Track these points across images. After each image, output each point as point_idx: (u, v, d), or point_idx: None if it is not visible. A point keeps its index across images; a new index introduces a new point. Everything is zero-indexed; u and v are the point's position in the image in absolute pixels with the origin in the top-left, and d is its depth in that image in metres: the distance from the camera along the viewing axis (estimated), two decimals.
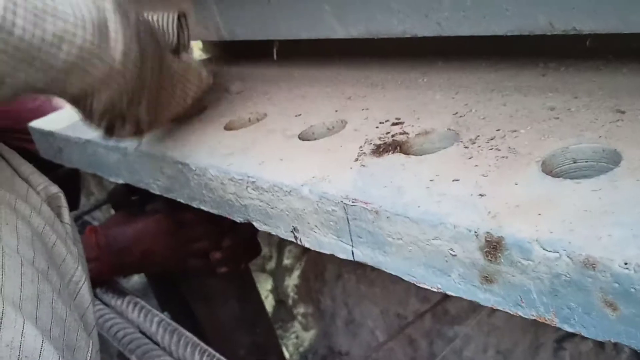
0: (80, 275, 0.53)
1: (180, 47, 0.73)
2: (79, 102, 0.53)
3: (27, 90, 0.47)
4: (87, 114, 0.55)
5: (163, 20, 0.71)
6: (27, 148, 0.96)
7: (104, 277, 0.81)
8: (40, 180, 0.55)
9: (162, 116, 0.65)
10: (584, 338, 0.86)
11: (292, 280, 1.37)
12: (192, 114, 0.75)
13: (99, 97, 0.52)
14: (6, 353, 0.40)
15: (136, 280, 1.49)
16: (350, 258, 0.48)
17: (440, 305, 0.93)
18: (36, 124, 0.95)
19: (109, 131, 0.59)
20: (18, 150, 0.59)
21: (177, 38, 0.70)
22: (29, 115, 1.03)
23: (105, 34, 0.49)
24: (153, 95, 0.59)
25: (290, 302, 1.41)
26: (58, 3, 0.46)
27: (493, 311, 0.92)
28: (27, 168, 0.55)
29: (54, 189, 0.55)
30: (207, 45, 1.08)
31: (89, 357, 0.48)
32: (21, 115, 1.16)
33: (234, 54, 1.00)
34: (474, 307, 0.91)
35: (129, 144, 0.72)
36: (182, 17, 0.73)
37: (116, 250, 0.80)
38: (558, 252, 0.34)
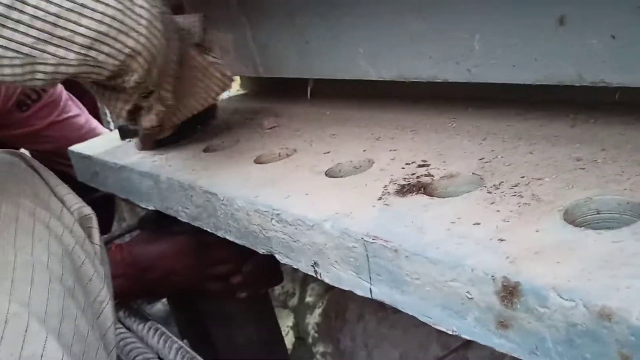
0: (104, 296, 0.54)
1: (205, 46, 0.75)
2: (112, 81, 0.54)
3: (62, 74, 0.48)
4: (116, 98, 0.56)
5: (186, 20, 0.74)
6: (68, 172, 0.99)
7: (128, 294, 0.82)
8: (75, 201, 0.57)
9: (185, 107, 0.67)
10: None
11: (313, 318, 1.37)
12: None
13: (130, 73, 0.53)
14: None
15: (159, 307, 1.50)
16: (368, 295, 0.48)
17: (462, 353, 0.91)
18: (75, 147, 0.98)
19: (134, 117, 0.61)
20: (59, 174, 0.61)
21: (200, 37, 0.72)
22: (74, 142, 1.06)
23: (131, 3, 0.51)
24: (175, 82, 0.61)
25: (310, 340, 1.40)
26: None
27: None
28: (63, 189, 0.57)
29: (87, 210, 0.57)
30: (245, 81, 1.11)
31: None
32: (66, 142, 1.20)
33: (270, 91, 1.03)
34: (494, 357, 0.89)
35: (161, 171, 0.74)
36: (205, 20, 0.76)
37: (140, 267, 0.82)
38: (574, 301, 0.33)
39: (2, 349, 0.41)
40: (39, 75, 0.47)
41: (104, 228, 0.80)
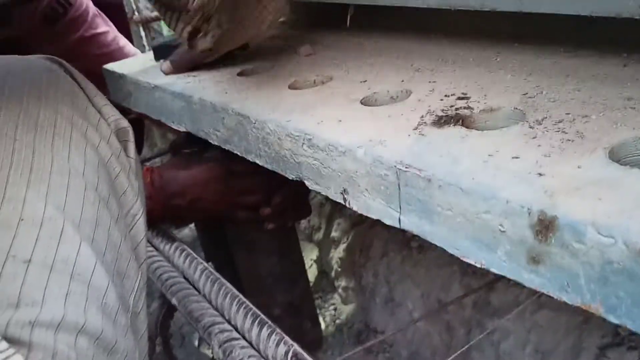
0: (137, 209, 0.54)
1: None
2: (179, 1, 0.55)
3: None
4: (178, 19, 0.57)
5: None
6: None
7: (155, 217, 0.83)
8: (112, 113, 0.56)
9: (239, 35, 0.67)
10: (630, 348, 0.82)
11: (337, 253, 1.38)
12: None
13: None
14: (61, 267, 0.41)
15: (186, 232, 1.53)
16: (397, 225, 0.48)
17: (484, 296, 0.91)
18: (110, 66, 0.98)
19: (193, 37, 0.61)
20: None
21: None
22: (103, 60, 1.06)
23: None
24: (233, 8, 0.61)
25: (332, 274, 1.41)
26: None
27: (537, 308, 0.89)
28: (101, 99, 0.57)
29: (124, 122, 0.57)
30: None
31: (136, 287, 0.50)
32: (94, 59, 1.19)
33: (308, 19, 1.00)
34: (517, 302, 0.89)
35: (194, 92, 0.73)
36: None
37: (169, 192, 0.82)
38: (614, 238, 0.32)
39: (37, 250, 0.41)
40: None
41: None
